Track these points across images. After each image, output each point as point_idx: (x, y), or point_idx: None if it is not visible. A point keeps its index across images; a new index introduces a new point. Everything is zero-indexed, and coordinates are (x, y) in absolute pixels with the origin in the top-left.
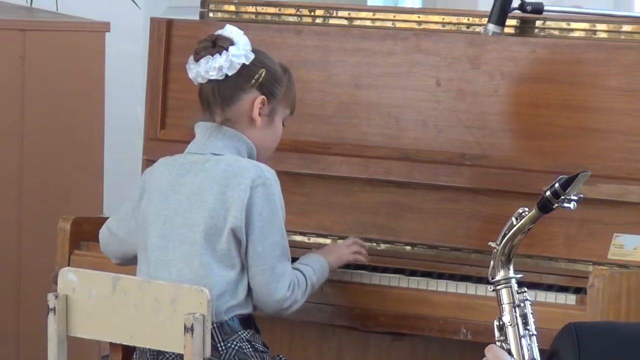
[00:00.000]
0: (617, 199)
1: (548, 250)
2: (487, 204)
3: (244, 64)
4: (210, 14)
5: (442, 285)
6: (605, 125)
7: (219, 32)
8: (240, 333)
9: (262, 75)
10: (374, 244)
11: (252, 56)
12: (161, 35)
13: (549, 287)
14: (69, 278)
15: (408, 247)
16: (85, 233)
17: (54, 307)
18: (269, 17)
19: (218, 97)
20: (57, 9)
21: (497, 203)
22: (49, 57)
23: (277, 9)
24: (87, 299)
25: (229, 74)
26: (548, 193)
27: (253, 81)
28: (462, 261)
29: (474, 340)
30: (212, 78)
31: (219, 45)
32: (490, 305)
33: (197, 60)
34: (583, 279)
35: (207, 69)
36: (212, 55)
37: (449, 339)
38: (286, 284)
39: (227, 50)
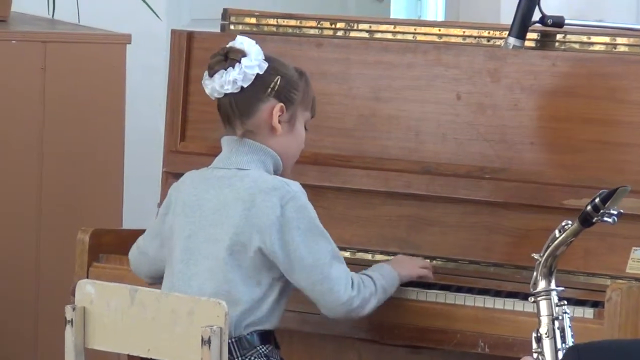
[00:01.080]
0: (637, 212)
1: (567, 264)
2: (506, 218)
3: (258, 74)
4: (232, 27)
5: (460, 299)
6: (625, 139)
7: (230, 44)
8: (258, 348)
9: (278, 83)
10: (393, 257)
11: (265, 65)
12: (182, 48)
13: (566, 301)
14: (87, 290)
15: (427, 261)
16: (104, 245)
17: (72, 319)
18: (289, 30)
19: (237, 110)
20: (78, 21)
21: (517, 217)
22: (70, 69)
23: (298, 21)
24: (104, 311)
25: (244, 85)
26: (589, 207)
27: (269, 90)
28: (481, 274)
29: (491, 353)
30: (227, 92)
31: (231, 58)
32: (508, 318)
33: (211, 75)
34: (601, 292)
35: (221, 83)
36: (226, 69)
37: (467, 353)
38: (348, 284)
39: (239, 62)
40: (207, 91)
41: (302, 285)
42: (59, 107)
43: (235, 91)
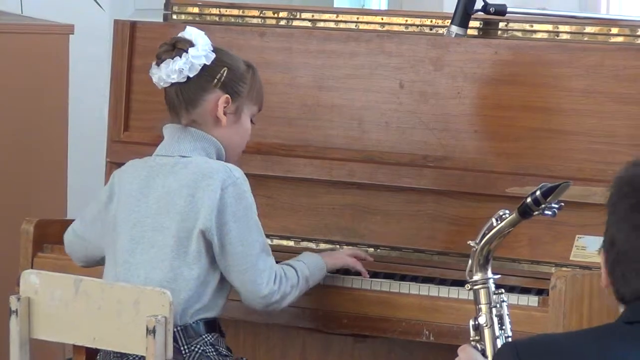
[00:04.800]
0: (580, 200)
1: (511, 252)
2: (450, 206)
3: (205, 65)
4: (174, 16)
5: (404, 287)
6: (567, 127)
7: (180, 34)
8: (204, 337)
9: (224, 74)
10: (337, 246)
11: (212, 56)
12: (125, 38)
13: (511, 289)
14: (31, 280)
15: (371, 249)
16: (48, 235)
17: (17, 310)
18: (232, 19)
19: (182, 100)
20: (21, 12)
21: (460, 205)
22: (13, 59)
23: (241, 11)
24: (49, 301)
25: (190, 75)
26: (529, 200)
27: (215, 81)
28: (425, 263)
29: (436, 341)
30: (174, 81)
31: (178, 47)
32: (452, 306)
33: (158, 64)
34: (545, 280)
35: (168, 72)
36: (172, 59)
37: (412, 341)
38: (271, 278)
39: (186, 52)
40: (154, 80)
41: (228, 270)
42: (2, 98)
43: (182, 80)
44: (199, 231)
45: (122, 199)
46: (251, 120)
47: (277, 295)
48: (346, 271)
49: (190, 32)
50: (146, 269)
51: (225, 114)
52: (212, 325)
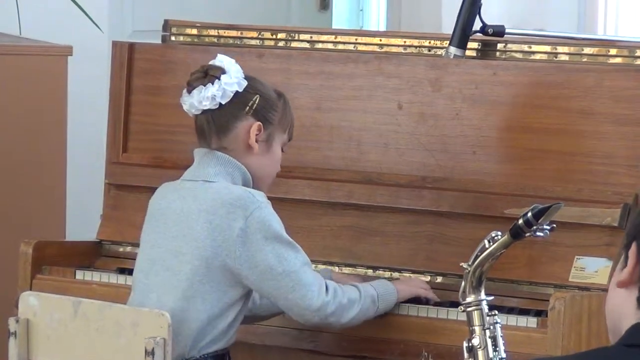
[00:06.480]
0: (579, 221)
1: (510, 273)
2: (448, 227)
3: (237, 92)
4: (172, 38)
5: (403, 309)
6: (566, 148)
7: (211, 62)
8: None
9: (257, 102)
10: (336, 267)
11: (244, 83)
12: (123, 59)
13: (510, 310)
14: (30, 302)
15: (370, 271)
16: (47, 257)
17: (15, 331)
18: (230, 41)
19: (213, 127)
20: (20, 33)
21: (459, 226)
22: (12, 80)
23: (239, 32)
24: (48, 323)
25: (223, 102)
26: (521, 221)
27: (247, 108)
28: None
29: None
30: (205, 108)
31: (210, 74)
32: (451, 328)
33: (189, 91)
34: (544, 301)
35: (200, 99)
36: (205, 85)
37: None
38: (322, 289)
39: (219, 79)
40: (185, 108)
41: (273, 295)
42: (1, 119)
43: (214, 107)
44: (222, 264)
45: (147, 220)
46: (282, 149)
47: (333, 306)
48: None
49: (222, 60)
50: (159, 292)
51: (257, 141)
52: (220, 358)
